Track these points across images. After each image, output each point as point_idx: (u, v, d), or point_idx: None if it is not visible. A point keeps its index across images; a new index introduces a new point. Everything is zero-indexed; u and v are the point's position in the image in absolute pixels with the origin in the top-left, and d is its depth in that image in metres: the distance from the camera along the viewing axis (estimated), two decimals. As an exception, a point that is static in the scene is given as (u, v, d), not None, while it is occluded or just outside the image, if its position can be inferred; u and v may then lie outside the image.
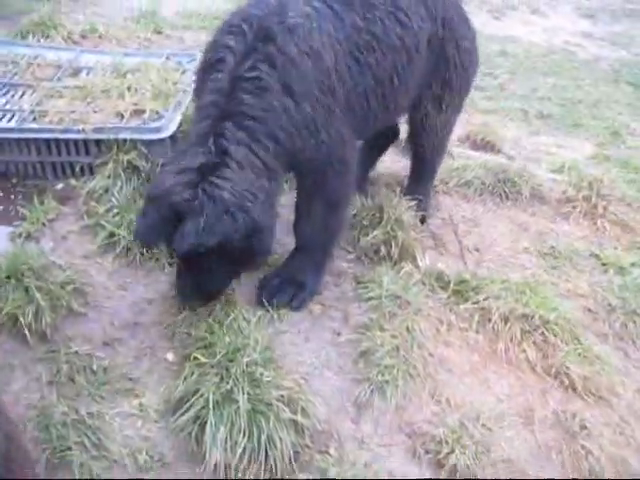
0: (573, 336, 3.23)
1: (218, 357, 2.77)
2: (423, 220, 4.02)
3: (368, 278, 3.47)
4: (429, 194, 4.20)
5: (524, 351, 3.21)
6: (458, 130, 5.28)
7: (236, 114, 2.78)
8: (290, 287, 3.31)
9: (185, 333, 3.01)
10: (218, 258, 2.75)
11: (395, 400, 2.92)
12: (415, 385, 2.99)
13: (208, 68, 2.95)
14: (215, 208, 2.62)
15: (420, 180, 4.11)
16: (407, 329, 3.16)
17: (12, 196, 3.91)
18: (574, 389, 3.11)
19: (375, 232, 3.67)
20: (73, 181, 3.92)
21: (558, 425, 2.96)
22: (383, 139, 4.27)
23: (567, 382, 3.12)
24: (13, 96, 4.20)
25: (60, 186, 3.94)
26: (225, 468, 2.53)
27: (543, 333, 3.22)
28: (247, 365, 2.72)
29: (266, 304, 3.21)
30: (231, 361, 2.74)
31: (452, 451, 2.67)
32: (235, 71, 2.81)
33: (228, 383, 2.66)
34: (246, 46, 2.82)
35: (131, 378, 2.88)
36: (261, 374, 2.72)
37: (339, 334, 3.24)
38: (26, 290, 3.00)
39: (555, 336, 3.21)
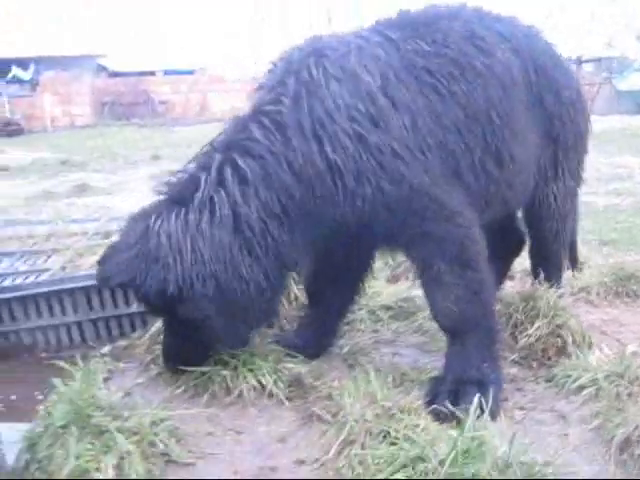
0: None
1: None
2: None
3: (560, 369, 2.52)
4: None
5: None
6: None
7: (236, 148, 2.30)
8: (470, 387, 2.32)
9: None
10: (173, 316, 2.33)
11: None
12: None
13: None
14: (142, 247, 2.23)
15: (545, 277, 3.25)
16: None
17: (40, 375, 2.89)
18: None
19: (537, 324, 2.80)
20: (124, 342, 3.01)
21: None
22: (507, 247, 3.44)
23: None
24: (35, 262, 3.41)
25: (107, 348, 2.99)
26: None
27: None
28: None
29: (449, 412, 2.18)
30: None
31: None
32: (257, 104, 2.37)
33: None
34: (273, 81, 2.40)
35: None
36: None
37: (566, 435, 2.20)
38: (97, 434, 1.94)
39: None
